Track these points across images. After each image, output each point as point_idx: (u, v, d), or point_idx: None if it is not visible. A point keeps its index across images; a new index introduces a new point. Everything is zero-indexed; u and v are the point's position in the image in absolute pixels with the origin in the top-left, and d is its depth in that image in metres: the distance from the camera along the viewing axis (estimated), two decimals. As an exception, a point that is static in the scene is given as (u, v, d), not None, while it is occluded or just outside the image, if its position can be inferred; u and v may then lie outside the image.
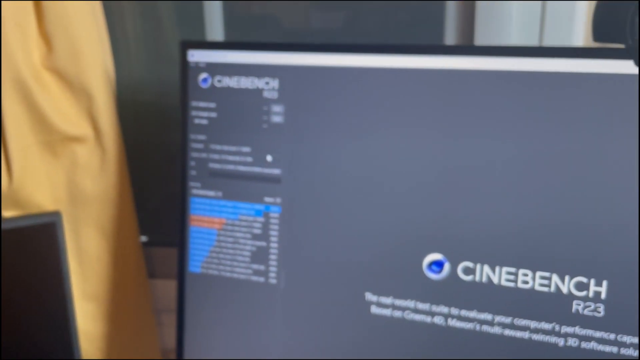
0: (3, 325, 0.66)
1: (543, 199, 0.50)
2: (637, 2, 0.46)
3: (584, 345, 0.50)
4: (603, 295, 0.49)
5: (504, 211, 0.51)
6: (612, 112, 0.47)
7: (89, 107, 0.69)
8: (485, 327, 0.53)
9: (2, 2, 0.63)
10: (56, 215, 0.67)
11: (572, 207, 0.49)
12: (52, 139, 0.69)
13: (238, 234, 0.61)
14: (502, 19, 0.68)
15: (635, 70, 0.47)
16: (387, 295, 0.56)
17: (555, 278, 0.50)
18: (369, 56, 0.54)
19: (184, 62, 0.61)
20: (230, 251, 0.62)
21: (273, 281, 0.61)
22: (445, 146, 0.52)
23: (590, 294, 0.49)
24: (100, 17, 0.71)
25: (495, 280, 0.52)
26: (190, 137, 0.62)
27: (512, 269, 0.52)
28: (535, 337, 0.52)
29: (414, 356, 0.56)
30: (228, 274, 0.62)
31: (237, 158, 0.60)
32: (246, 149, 0.60)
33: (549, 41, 0.67)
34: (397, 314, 0.56)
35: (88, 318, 0.75)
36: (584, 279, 0.49)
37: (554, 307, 0.51)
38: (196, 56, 0.60)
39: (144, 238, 0.83)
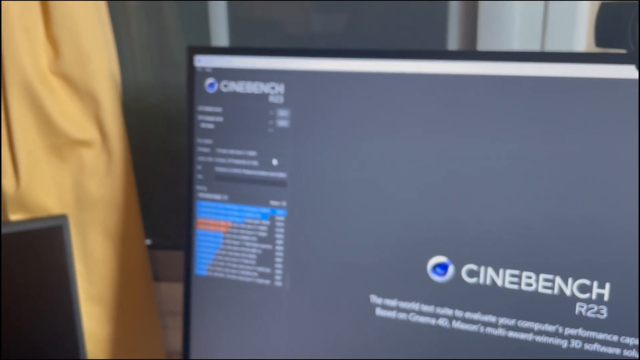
0: (10, 326, 0.66)
1: (546, 202, 0.50)
2: (637, 8, 0.46)
3: (587, 347, 0.51)
4: (606, 298, 0.49)
5: (508, 214, 0.52)
6: (615, 116, 0.48)
7: (95, 111, 0.69)
8: (489, 329, 0.54)
9: (10, 7, 0.64)
10: (63, 218, 0.68)
11: (575, 210, 0.50)
12: (59, 143, 0.70)
13: (244, 237, 0.62)
14: (504, 23, 0.69)
15: (635, 75, 0.47)
16: (391, 297, 0.57)
17: (558, 280, 0.51)
18: (373, 61, 0.55)
19: (191, 68, 0.61)
20: (236, 254, 0.63)
21: (278, 284, 0.61)
22: (449, 149, 0.53)
23: (594, 296, 0.50)
24: (107, 22, 0.72)
25: (499, 282, 0.53)
26: (197, 141, 0.62)
27: (516, 272, 0.52)
28: (539, 338, 0.52)
29: (418, 358, 0.56)
30: (234, 277, 0.63)
31: (243, 162, 0.61)
32: (252, 153, 0.60)
33: (551, 45, 0.68)
34: (402, 316, 0.57)
35: (94, 320, 0.76)
36: (587, 281, 0.50)
37: (558, 309, 0.51)
38: (203, 61, 0.61)
39: (148, 241, 0.84)
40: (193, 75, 0.61)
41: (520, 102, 0.50)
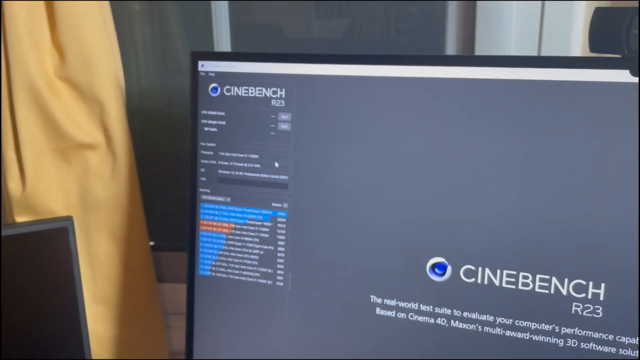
0: (15, 326, 0.67)
1: (542, 203, 0.51)
2: (631, 14, 0.47)
3: (583, 345, 0.51)
4: (601, 297, 0.50)
5: (505, 216, 0.52)
6: (610, 119, 0.48)
7: (100, 115, 0.70)
8: (487, 328, 0.54)
9: (17, 14, 0.65)
10: (68, 220, 0.69)
11: (571, 212, 0.50)
12: (65, 146, 0.71)
13: (246, 238, 0.63)
14: (502, 27, 0.70)
15: (630, 79, 0.48)
16: (391, 297, 0.57)
17: (554, 280, 0.52)
18: (373, 66, 0.56)
19: (195, 72, 0.62)
20: (239, 255, 0.63)
21: (280, 284, 0.62)
22: (447, 152, 0.54)
23: (589, 296, 0.51)
24: (112, 28, 0.73)
25: (496, 282, 0.54)
26: (200, 145, 0.63)
27: (513, 272, 0.53)
28: (536, 338, 0.53)
29: (418, 356, 0.57)
30: (236, 277, 0.64)
31: (245, 165, 0.62)
32: (254, 156, 0.61)
33: (548, 49, 0.69)
34: (401, 315, 0.57)
35: (98, 320, 0.77)
36: (582, 281, 0.51)
37: (554, 308, 0.52)
38: (206, 66, 0.62)
39: (152, 243, 0.85)
40: (196, 79, 0.62)
41: (516, 106, 0.51)
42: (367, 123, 0.56)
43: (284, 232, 0.61)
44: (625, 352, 0.50)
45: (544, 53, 0.69)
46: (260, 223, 0.62)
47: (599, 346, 0.51)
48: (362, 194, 0.57)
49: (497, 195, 0.53)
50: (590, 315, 0.51)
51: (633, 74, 0.48)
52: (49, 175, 0.71)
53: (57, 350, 0.70)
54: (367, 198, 0.57)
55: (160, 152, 0.89)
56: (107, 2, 0.72)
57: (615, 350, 0.50)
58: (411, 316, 0.57)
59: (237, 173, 0.62)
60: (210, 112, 0.62)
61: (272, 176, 0.61)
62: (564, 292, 0.51)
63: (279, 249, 0.61)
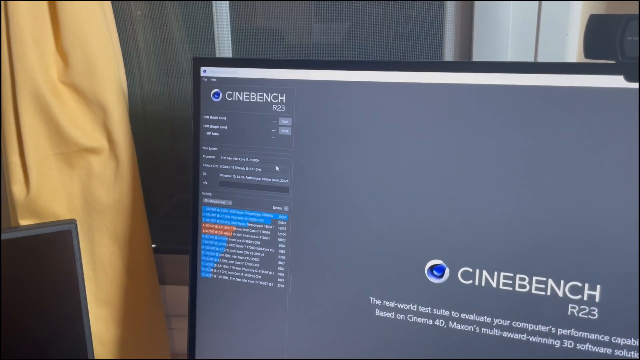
0: (19, 327, 0.68)
1: (538, 207, 0.52)
2: (625, 20, 0.48)
3: (579, 346, 0.52)
4: (597, 299, 0.51)
5: (501, 219, 0.53)
6: (605, 123, 0.49)
7: (103, 120, 0.71)
8: (484, 330, 0.55)
9: (22, 21, 0.66)
10: (71, 223, 0.69)
11: (567, 215, 0.51)
12: (69, 151, 0.71)
13: (247, 241, 0.64)
14: (499, 32, 0.70)
15: (624, 84, 0.49)
16: (390, 299, 0.58)
17: (551, 282, 0.52)
18: (372, 72, 0.57)
19: (197, 78, 0.63)
20: (240, 257, 0.64)
21: (281, 286, 0.63)
22: (445, 156, 0.55)
23: (585, 298, 0.51)
24: (114, 33, 0.74)
25: (493, 284, 0.54)
26: (203, 149, 0.64)
27: (510, 274, 0.54)
28: (533, 339, 0.53)
29: (417, 357, 0.58)
30: (238, 279, 0.65)
31: (246, 168, 0.63)
32: (255, 160, 0.62)
33: (544, 55, 0.69)
34: (400, 316, 0.58)
35: (101, 322, 0.77)
36: (578, 283, 0.51)
37: (550, 310, 0.52)
38: (208, 72, 0.63)
39: (153, 245, 0.85)
40: (199, 85, 0.63)
41: (512, 111, 0.52)
42: (366, 128, 0.57)
43: (284, 234, 0.62)
44: (620, 353, 0.51)
45: (540, 58, 0.69)
46: (261, 226, 0.63)
47: (595, 347, 0.51)
48: (361, 197, 0.58)
49: (494, 198, 0.53)
50: (586, 316, 0.51)
51: (628, 79, 0.49)
52: (53, 179, 0.72)
53: (60, 351, 0.70)
54: (366, 201, 0.58)
55: (163, 156, 0.90)
56: (110, 8, 0.73)
57: (611, 351, 0.51)
58: (410, 317, 0.58)
59: (238, 177, 0.63)
60: (212, 117, 0.63)
61: (273, 180, 0.62)
62: (560, 293, 0.52)
63: (280, 251, 0.62)
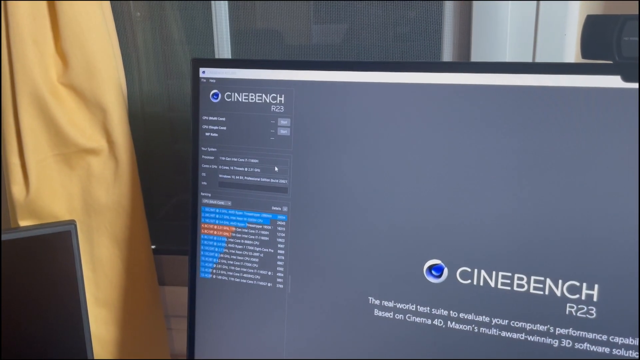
0: (19, 328, 0.68)
1: (537, 206, 0.52)
2: (622, 21, 0.48)
3: (577, 346, 0.52)
4: (595, 298, 0.51)
5: (500, 219, 0.53)
6: (602, 123, 0.49)
7: (103, 120, 0.71)
8: (483, 329, 0.55)
9: (22, 22, 0.66)
10: (71, 224, 0.69)
11: (565, 215, 0.51)
12: (68, 152, 0.72)
13: (246, 241, 0.64)
14: (497, 31, 0.70)
15: (621, 84, 0.49)
16: (389, 299, 0.58)
17: (549, 282, 0.52)
18: (370, 73, 0.57)
19: (196, 79, 0.63)
20: (239, 257, 0.64)
21: (280, 286, 0.63)
22: (443, 156, 0.55)
23: (583, 297, 0.51)
24: (114, 34, 0.74)
25: (491, 284, 0.54)
26: (202, 150, 0.64)
27: (508, 273, 0.54)
28: (531, 338, 0.54)
29: (415, 357, 0.58)
30: (237, 280, 0.65)
31: (245, 169, 0.63)
32: (254, 161, 0.62)
33: (542, 56, 0.70)
34: (399, 316, 0.58)
35: (101, 323, 0.77)
36: (576, 283, 0.52)
37: (548, 309, 0.53)
38: (207, 73, 0.63)
39: (153, 246, 0.86)
40: (198, 86, 0.64)
41: (510, 112, 0.52)
42: (364, 128, 0.57)
43: (283, 235, 0.62)
44: (618, 352, 0.51)
45: (538, 58, 0.70)
46: (260, 226, 0.63)
47: (593, 346, 0.52)
48: (360, 198, 0.58)
49: (492, 198, 0.54)
50: (584, 315, 0.52)
51: (625, 79, 0.49)
52: (53, 179, 0.72)
53: (60, 352, 0.70)
54: (365, 201, 0.58)
55: (162, 157, 0.90)
56: (110, 9, 0.73)
57: (609, 350, 0.51)
58: (409, 317, 0.58)
59: (237, 177, 0.63)
60: (211, 118, 0.63)
61: (272, 180, 0.62)
62: (558, 293, 0.52)
63: (279, 251, 0.62)
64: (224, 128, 0.63)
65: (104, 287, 0.76)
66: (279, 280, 0.63)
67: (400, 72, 0.56)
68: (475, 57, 0.72)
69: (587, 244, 0.51)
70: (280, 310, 0.63)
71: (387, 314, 0.59)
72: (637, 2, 0.64)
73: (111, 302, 0.77)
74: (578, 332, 0.52)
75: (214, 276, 0.66)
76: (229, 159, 0.63)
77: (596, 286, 0.51)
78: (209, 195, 0.65)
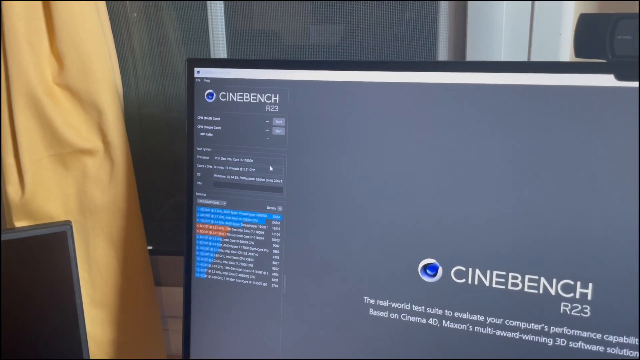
0: (15, 329, 0.68)
1: (531, 205, 0.52)
2: (615, 19, 0.48)
3: (571, 344, 0.52)
4: (589, 297, 0.51)
5: (494, 218, 0.53)
6: (597, 122, 0.50)
7: (98, 121, 0.71)
8: (477, 328, 0.55)
9: (17, 23, 0.66)
10: (67, 225, 0.69)
11: (558, 214, 0.51)
12: (63, 152, 0.72)
13: (242, 241, 0.64)
14: (492, 30, 0.71)
15: (615, 83, 0.49)
16: (384, 298, 0.58)
17: (543, 281, 0.53)
18: (365, 72, 0.57)
19: (191, 79, 0.63)
20: (235, 257, 0.64)
21: (275, 285, 0.63)
22: (437, 156, 0.55)
23: (577, 296, 0.51)
24: (109, 35, 0.74)
25: (486, 283, 0.55)
26: (197, 150, 0.64)
27: (502, 272, 0.54)
28: (526, 337, 0.54)
29: (411, 356, 0.58)
30: (232, 280, 0.65)
31: (240, 169, 0.63)
32: (249, 160, 0.62)
33: (537, 54, 0.70)
34: (394, 316, 0.58)
35: (97, 324, 0.77)
36: (570, 281, 0.52)
37: (543, 308, 0.53)
38: (202, 73, 0.63)
39: (149, 247, 0.86)
40: (192, 86, 0.64)
41: (506, 110, 0.52)
42: (359, 127, 0.57)
43: (278, 234, 0.62)
44: (613, 350, 0.51)
45: (533, 57, 0.70)
46: (255, 226, 0.63)
47: (587, 345, 0.52)
48: (355, 197, 0.58)
49: (487, 197, 0.54)
50: (579, 314, 0.52)
51: (618, 78, 0.49)
52: (48, 180, 0.72)
53: (55, 353, 0.70)
54: (360, 201, 0.58)
55: (158, 157, 0.90)
56: (105, 9, 0.73)
57: (603, 349, 0.51)
58: (403, 317, 0.58)
59: (232, 177, 0.63)
60: (206, 118, 0.63)
61: (267, 180, 0.62)
62: (553, 292, 0.52)
63: (274, 251, 0.62)
64: (219, 128, 0.63)
65: (100, 288, 0.76)
66: (274, 280, 0.63)
67: (395, 71, 0.56)
68: (470, 56, 0.72)
69: (581, 242, 0.51)
70: (275, 310, 0.63)
71: (382, 314, 0.59)
72: (631, 1, 0.64)
73: (107, 303, 0.77)
74: (572, 330, 0.52)
75: (210, 276, 0.66)
76: (224, 158, 0.63)
77: (590, 285, 0.51)
78: (204, 195, 0.65)
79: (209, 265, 0.66)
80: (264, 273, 0.63)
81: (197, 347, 0.67)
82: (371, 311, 0.59)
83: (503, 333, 0.54)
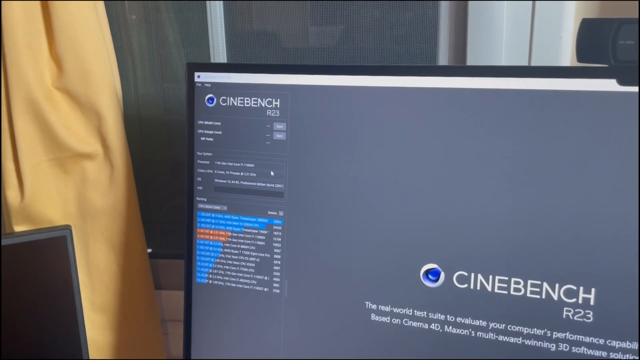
0: (14, 334, 0.68)
1: (533, 210, 0.52)
2: (617, 24, 0.48)
3: (574, 349, 0.52)
4: (592, 302, 0.51)
5: (496, 223, 0.53)
6: (598, 127, 0.49)
7: (98, 125, 0.71)
8: (480, 333, 0.55)
9: (16, 26, 0.66)
10: (66, 229, 0.69)
11: (561, 219, 0.51)
12: (63, 156, 0.71)
13: (242, 246, 0.64)
14: (493, 32, 0.71)
15: (617, 88, 0.49)
16: (385, 303, 0.58)
17: (545, 286, 0.52)
18: (365, 77, 0.57)
19: (191, 83, 0.63)
20: (235, 262, 0.64)
21: (276, 291, 0.63)
22: (439, 161, 0.55)
23: (580, 301, 0.51)
24: (109, 38, 0.74)
25: (488, 288, 0.54)
26: (197, 154, 0.64)
27: (505, 277, 0.54)
28: (528, 342, 0.54)
29: (413, 362, 0.58)
30: (233, 285, 0.65)
31: (241, 174, 0.63)
32: (250, 165, 0.62)
33: (538, 58, 0.70)
34: (396, 321, 0.58)
35: (97, 328, 0.77)
36: (573, 287, 0.52)
37: (545, 313, 0.53)
38: (202, 77, 0.63)
39: (149, 250, 0.85)
40: (193, 90, 0.63)
41: (506, 115, 0.52)
42: (360, 132, 0.57)
43: (279, 239, 0.62)
44: (616, 355, 0.51)
45: (534, 60, 0.70)
46: (256, 231, 0.63)
47: (590, 350, 0.52)
48: (356, 202, 0.58)
49: (489, 202, 0.53)
50: (581, 319, 0.52)
51: (620, 83, 0.49)
52: (48, 184, 0.72)
53: (56, 357, 0.70)
54: (361, 205, 0.58)
55: (158, 160, 0.90)
56: (104, 12, 0.73)
57: (606, 354, 0.51)
58: (405, 322, 0.58)
59: (233, 182, 0.63)
60: (206, 122, 0.63)
61: (268, 185, 0.62)
62: (555, 297, 0.52)
63: (275, 256, 0.62)
64: (220, 132, 0.63)
65: (100, 292, 0.76)
66: (275, 285, 0.63)
67: (396, 75, 0.56)
68: (471, 58, 0.72)
69: (583, 247, 0.51)
70: (276, 316, 0.63)
71: (383, 319, 0.59)
72: (634, 3, 0.64)
73: (107, 307, 0.77)
74: (575, 336, 0.52)
75: (210, 281, 0.66)
76: (224, 163, 0.63)
77: (593, 290, 0.51)
78: (205, 200, 0.65)
79: (210, 271, 0.65)
80: (265, 278, 0.63)
81: (197, 352, 0.67)
82: (373, 316, 0.59)
83: (505, 338, 0.54)
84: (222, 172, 0.63)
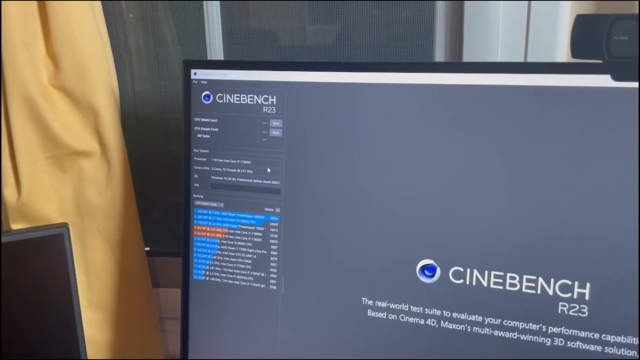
0: (12, 332, 0.68)
1: (528, 206, 0.52)
2: (611, 20, 0.49)
3: (569, 344, 0.52)
4: (587, 297, 0.51)
5: (492, 218, 0.54)
6: (593, 122, 0.50)
7: (95, 122, 0.71)
8: (476, 328, 0.55)
9: (12, 25, 0.66)
10: (64, 227, 0.69)
11: (556, 214, 0.51)
12: (60, 154, 0.71)
13: (239, 243, 0.64)
14: (489, 30, 0.71)
15: (611, 83, 0.49)
16: (382, 299, 0.58)
17: (541, 281, 0.53)
18: (362, 73, 0.57)
19: (187, 80, 0.63)
20: (232, 259, 0.64)
21: (273, 287, 0.63)
22: (435, 157, 0.55)
23: (575, 296, 0.52)
24: (105, 36, 0.74)
25: (484, 283, 0.55)
26: (194, 151, 0.64)
27: (500, 273, 0.54)
28: (524, 337, 0.54)
29: (409, 357, 0.58)
30: (230, 281, 0.65)
31: (238, 170, 0.63)
32: (247, 162, 0.62)
33: (534, 54, 0.70)
34: (392, 317, 0.58)
35: (94, 326, 0.77)
36: (568, 282, 0.52)
37: (541, 308, 0.53)
38: (199, 74, 0.63)
39: (146, 248, 0.85)
40: (189, 87, 0.63)
41: (503, 111, 0.52)
42: (356, 129, 0.57)
43: (276, 236, 0.62)
44: (610, 350, 0.51)
45: (530, 57, 0.70)
46: (253, 228, 0.63)
47: (585, 345, 0.52)
48: (352, 198, 0.58)
49: (484, 198, 0.54)
50: (576, 314, 0.52)
51: (614, 79, 0.49)
52: (44, 182, 0.72)
53: (53, 355, 0.70)
54: (357, 202, 0.58)
55: (155, 158, 0.90)
56: (101, 10, 0.73)
57: (601, 348, 0.51)
58: (402, 317, 0.58)
59: (230, 179, 0.63)
60: (203, 119, 0.63)
61: (265, 181, 0.62)
62: (550, 292, 0.52)
63: (272, 253, 0.62)
64: (216, 129, 0.63)
65: (97, 290, 0.76)
66: (272, 281, 0.63)
67: (392, 72, 0.56)
68: (467, 56, 0.72)
69: (578, 242, 0.51)
70: (273, 312, 0.63)
71: (380, 314, 0.59)
72: (628, 1, 0.65)
73: (105, 305, 0.77)
74: (570, 330, 0.52)
75: (207, 278, 0.66)
76: (221, 160, 0.63)
77: (588, 285, 0.51)
78: (202, 197, 0.65)
79: (207, 267, 0.66)
80: (262, 275, 0.63)
81: (195, 349, 0.67)
82: (369, 312, 0.59)
83: (501, 333, 0.55)
84: (219, 169, 0.63)
